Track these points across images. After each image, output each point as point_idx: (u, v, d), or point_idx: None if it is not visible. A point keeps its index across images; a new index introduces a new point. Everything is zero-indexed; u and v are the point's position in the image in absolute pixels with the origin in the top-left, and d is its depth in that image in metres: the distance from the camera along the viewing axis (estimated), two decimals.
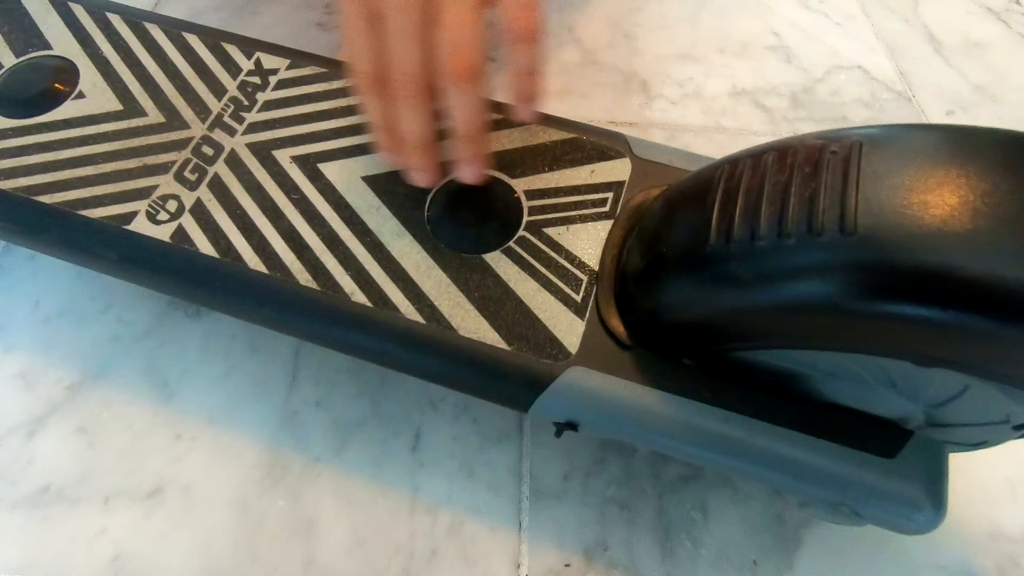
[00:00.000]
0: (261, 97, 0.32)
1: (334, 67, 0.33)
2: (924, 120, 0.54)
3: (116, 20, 0.35)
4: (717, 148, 0.50)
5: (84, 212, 0.29)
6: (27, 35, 0.34)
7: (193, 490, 0.32)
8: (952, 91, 0.57)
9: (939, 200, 0.18)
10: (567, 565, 0.32)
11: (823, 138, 0.22)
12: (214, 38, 0.35)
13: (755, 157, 0.23)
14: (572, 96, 0.53)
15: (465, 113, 0.24)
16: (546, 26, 0.29)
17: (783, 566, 0.32)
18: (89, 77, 0.33)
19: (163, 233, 0.28)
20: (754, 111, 0.54)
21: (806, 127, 0.53)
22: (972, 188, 0.18)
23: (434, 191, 0.29)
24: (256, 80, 0.33)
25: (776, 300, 0.20)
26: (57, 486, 0.32)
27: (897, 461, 0.24)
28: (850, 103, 0.55)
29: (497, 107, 0.32)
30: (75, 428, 0.34)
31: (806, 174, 0.20)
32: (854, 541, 0.33)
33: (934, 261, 0.18)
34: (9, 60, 0.33)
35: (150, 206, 0.29)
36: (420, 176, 0.27)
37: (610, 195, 0.30)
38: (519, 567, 0.32)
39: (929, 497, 0.24)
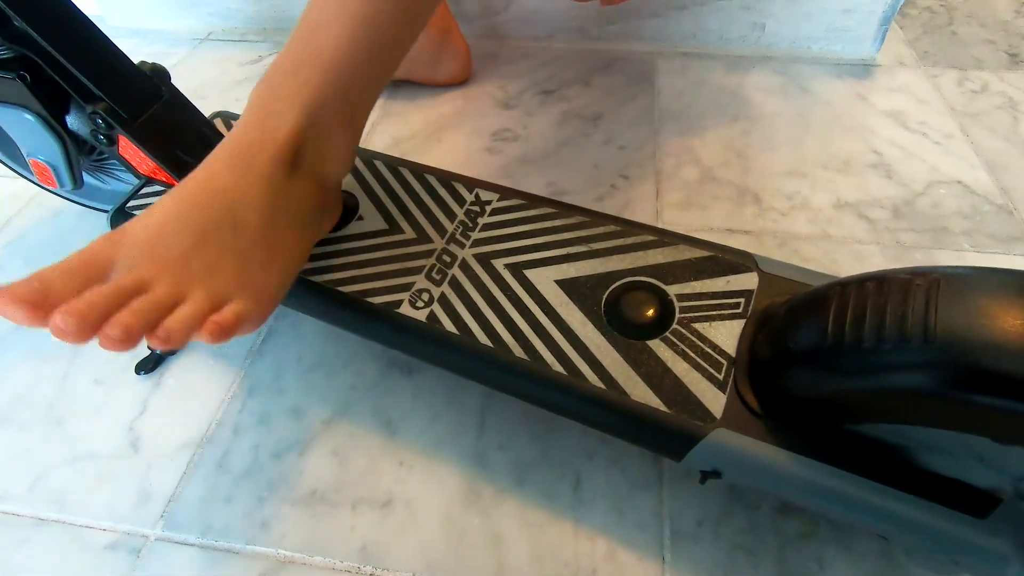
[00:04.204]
0: (481, 221, 0.46)
1: (530, 200, 0.47)
2: None
3: (380, 165, 0.50)
4: (823, 254, 0.59)
5: (369, 299, 0.42)
6: None
7: (414, 504, 0.44)
8: None
9: (998, 321, 0.27)
10: None
11: (911, 273, 0.30)
12: (446, 177, 0.49)
13: (859, 284, 0.32)
14: (694, 208, 0.64)
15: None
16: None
17: None
18: (366, 205, 0.48)
19: (421, 316, 0.41)
20: (857, 221, 0.61)
21: (908, 237, 0.60)
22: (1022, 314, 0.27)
23: (608, 292, 0.41)
24: (477, 208, 0.47)
25: (875, 387, 0.29)
26: (321, 491, 0.44)
27: (988, 522, 0.31)
28: (950, 215, 0.62)
29: (654, 231, 0.43)
30: (330, 451, 0.47)
31: (897, 300, 0.29)
32: None
33: (995, 363, 0.26)
34: None
35: (411, 297, 0.42)
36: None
37: (742, 300, 0.39)
38: None
39: (1018, 554, 0.30)
